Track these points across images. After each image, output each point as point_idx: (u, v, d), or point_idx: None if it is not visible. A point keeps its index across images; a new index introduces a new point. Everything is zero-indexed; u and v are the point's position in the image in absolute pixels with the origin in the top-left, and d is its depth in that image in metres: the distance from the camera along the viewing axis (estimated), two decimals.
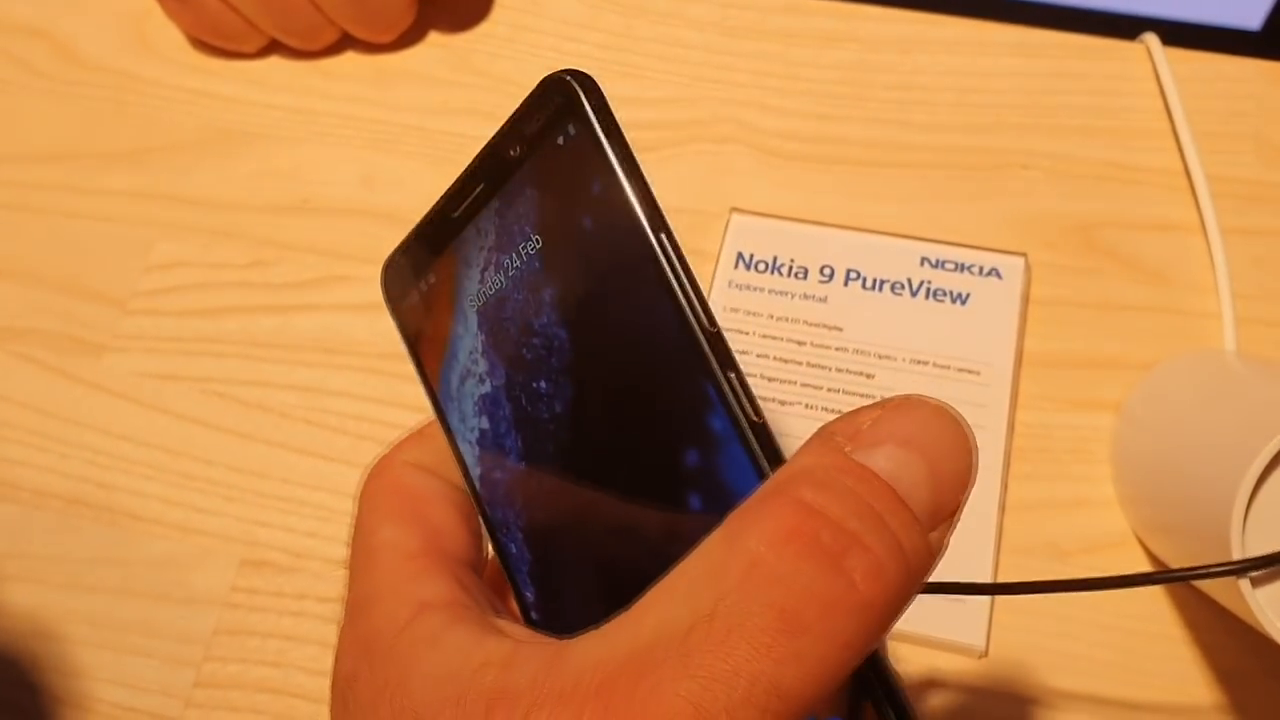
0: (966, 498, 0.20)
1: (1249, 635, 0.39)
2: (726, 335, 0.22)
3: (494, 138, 0.26)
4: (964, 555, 0.44)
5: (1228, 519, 0.35)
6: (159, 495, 0.49)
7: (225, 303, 0.52)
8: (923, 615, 0.43)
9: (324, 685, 0.37)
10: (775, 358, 0.48)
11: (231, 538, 0.48)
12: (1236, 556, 0.34)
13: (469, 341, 0.26)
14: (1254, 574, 0.34)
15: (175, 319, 0.52)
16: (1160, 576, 0.39)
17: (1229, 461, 0.36)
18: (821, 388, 0.47)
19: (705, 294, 0.28)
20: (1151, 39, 0.54)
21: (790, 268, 0.50)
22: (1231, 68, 0.53)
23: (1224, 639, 0.43)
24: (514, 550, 0.26)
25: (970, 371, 0.47)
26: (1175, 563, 0.44)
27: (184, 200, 0.55)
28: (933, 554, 0.20)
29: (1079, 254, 0.50)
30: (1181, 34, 0.55)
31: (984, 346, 0.48)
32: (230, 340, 0.51)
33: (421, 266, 0.28)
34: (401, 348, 0.28)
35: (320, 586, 0.47)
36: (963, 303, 0.48)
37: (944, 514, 0.20)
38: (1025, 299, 0.49)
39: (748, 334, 0.48)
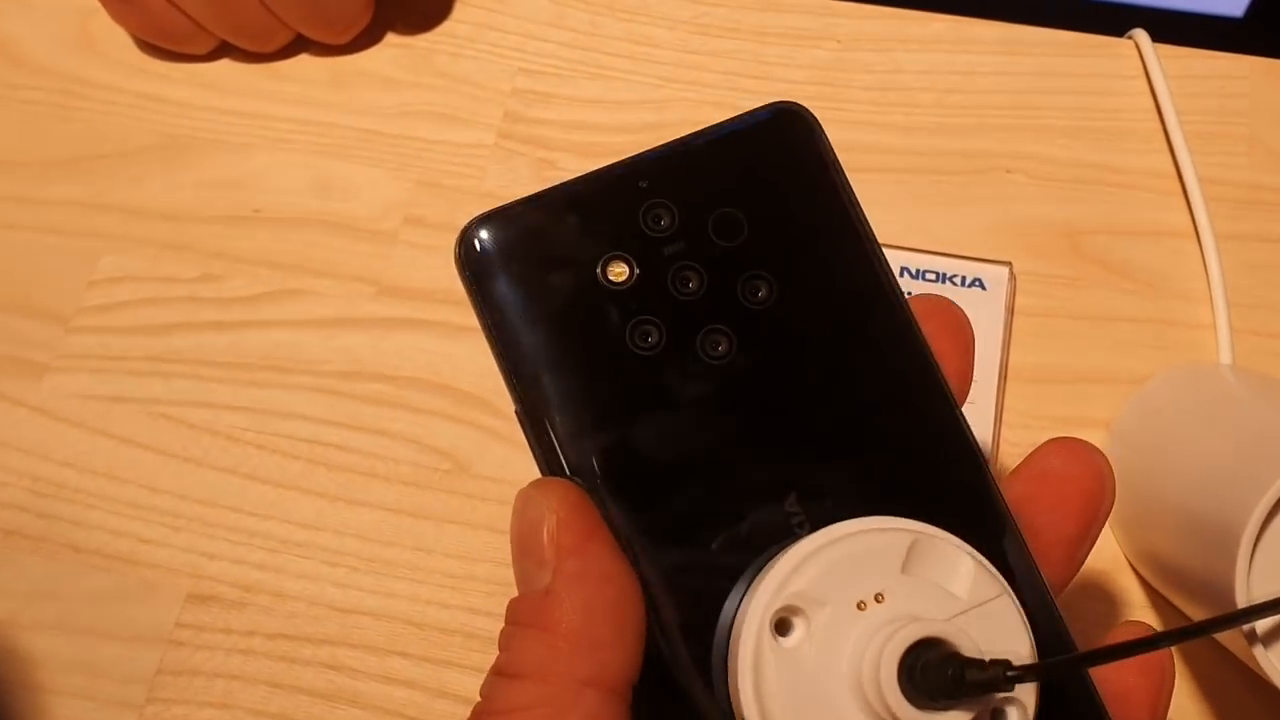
0: None
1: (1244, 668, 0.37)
2: None
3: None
4: None
5: (1232, 556, 0.33)
6: (101, 525, 0.46)
7: (173, 319, 0.50)
8: None
9: None
10: None
11: (177, 570, 0.46)
12: (1241, 599, 0.32)
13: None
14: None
15: (121, 337, 0.50)
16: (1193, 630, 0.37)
17: (1232, 493, 0.34)
18: None
19: None
20: (1141, 35, 0.51)
21: None
22: (1225, 65, 0.51)
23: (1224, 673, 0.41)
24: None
25: None
26: (1169, 591, 0.42)
27: (130, 211, 0.52)
28: None
29: (1066, 262, 0.48)
30: (1163, 22, 0.53)
31: None
32: (178, 359, 0.49)
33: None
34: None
35: (270, 622, 0.44)
36: None
37: None
38: (1010, 310, 0.46)
39: None
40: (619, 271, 0.25)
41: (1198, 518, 0.37)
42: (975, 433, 0.44)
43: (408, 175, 0.52)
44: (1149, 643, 0.23)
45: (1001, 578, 0.23)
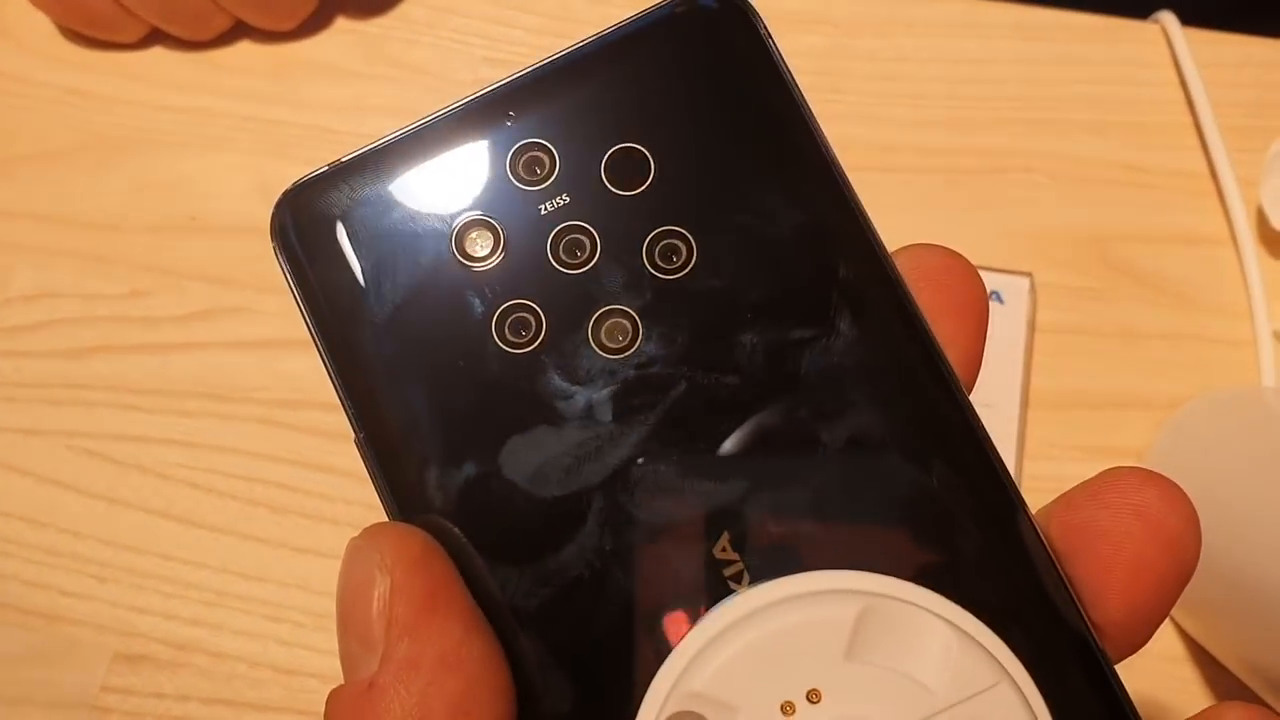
0: None
1: None
2: None
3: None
4: None
5: None
6: (17, 575, 0.41)
7: (96, 341, 0.45)
8: None
9: None
10: None
11: (104, 627, 0.41)
12: None
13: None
14: None
15: (38, 361, 0.45)
16: None
17: None
18: None
19: None
20: (1168, 18, 0.47)
21: None
22: (1261, 51, 0.47)
23: None
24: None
25: None
26: (1213, 646, 0.38)
27: (49, 219, 0.47)
28: None
29: (1092, 272, 0.43)
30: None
31: (985, 384, 0.40)
32: (101, 385, 0.44)
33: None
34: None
35: (207, 685, 0.40)
36: None
37: None
38: (1031, 326, 0.42)
39: None
40: (481, 242, 0.19)
41: (1252, 563, 0.33)
42: None
43: None
44: None
45: (1007, 653, 0.17)
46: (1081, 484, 0.18)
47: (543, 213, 0.19)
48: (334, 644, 0.39)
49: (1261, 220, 0.43)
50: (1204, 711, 0.18)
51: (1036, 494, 0.40)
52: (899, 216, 0.44)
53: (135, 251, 0.46)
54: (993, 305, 0.42)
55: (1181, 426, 0.40)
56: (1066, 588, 0.18)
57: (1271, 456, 0.36)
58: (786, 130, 0.20)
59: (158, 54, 0.50)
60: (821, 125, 0.20)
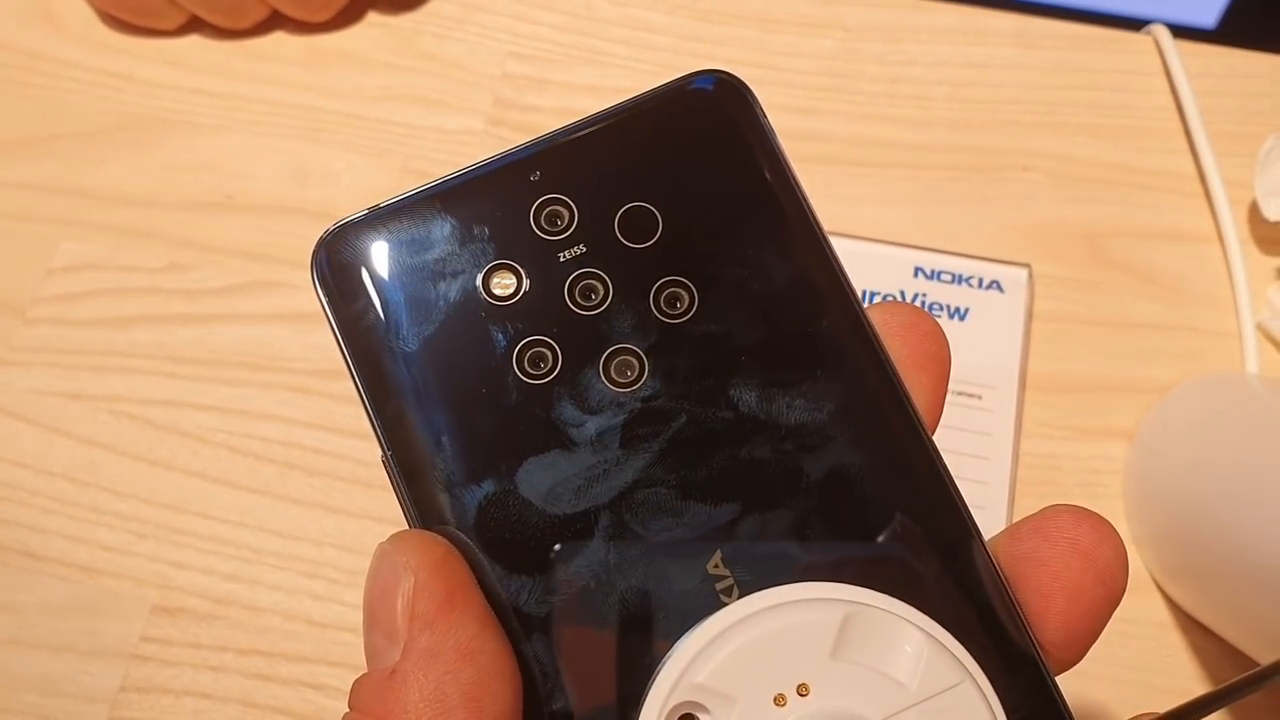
0: None
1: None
2: None
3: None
4: None
5: None
6: (60, 531, 0.43)
7: (137, 311, 0.46)
8: None
9: None
10: None
11: (143, 580, 0.42)
12: None
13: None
14: None
15: (81, 329, 0.46)
16: None
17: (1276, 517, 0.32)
18: None
19: None
20: (1160, 31, 0.49)
21: None
22: (1246, 64, 0.49)
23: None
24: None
25: (971, 395, 0.42)
26: (1201, 613, 0.40)
27: (92, 195, 0.49)
28: None
29: (1086, 265, 0.46)
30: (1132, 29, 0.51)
31: (986, 367, 0.43)
32: (142, 354, 0.46)
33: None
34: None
35: (243, 637, 0.41)
36: (961, 318, 0.44)
37: None
38: (1029, 314, 0.44)
39: None
40: (505, 283, 0.21)
41: (1237, 536, 0.35)
42: (995, 444, 0.42)
43: (390, 162, 0.49)
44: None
45: (968, 658, 0.19)
46: (1025, 518, 0.21)
47: (561, 260, 0.22)
48: None
49: (1248, 218, 0.46)
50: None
51: (1033, 469, 0.42)
52: (907, 208, 0.47)
53: (173, 227, 0.48)
54: (993, 294, 0.44)
55: (1170, 408, 0.42)
56: (1015, 607, 0.20)
57: (1253, 434, 0.38)
58: (776, 195, 0.22)
59: (196, 41, 0.52)
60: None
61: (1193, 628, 0.41)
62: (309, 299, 0.46)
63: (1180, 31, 0.49)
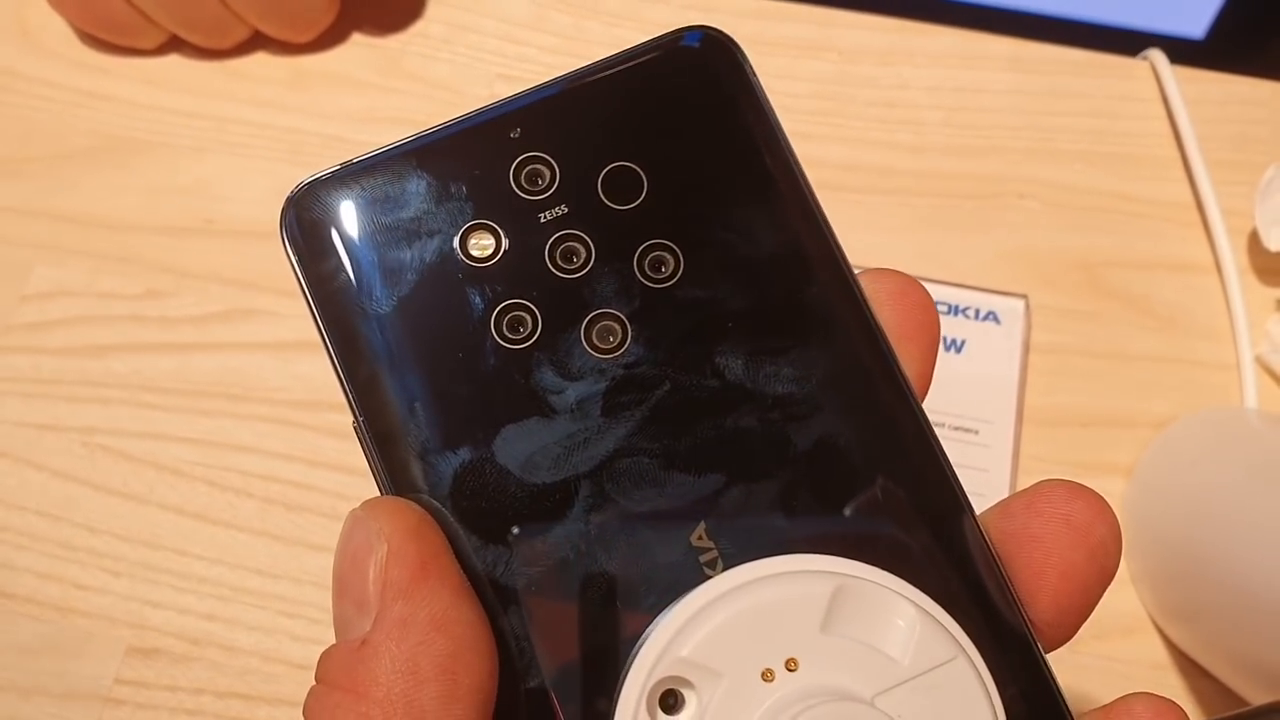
0: None
1: None
2: None
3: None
4: None
5: None
6: (31, 568, 0.42)
7: (114, 339, 0.45)
8: None
9: None
10: None
11: (117, 620, 0.41)
12: None
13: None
14: None
15: (55, 358, 0.45)
16: None
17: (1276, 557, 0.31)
18: None
19: None
20: (1157, 56, 0.49)
21: None
22: (1243, 90, 0.49)
23: None
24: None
25: (968, 430, 0.42)
26: (1199, 654, 0.39)
27: (68, 218, 0.48)
28: None
29: (1083, 295, 0.45)
30: (1123, 41, 0.50)
31: (983, 401, 0.42)
32: (119, 384, 0.45)
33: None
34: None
35: (221, 679, 0.40)
36: (958, 350, 0.43)
37: None
38: (1026, 346, 0.43)
39: None
40: (483, 244, 0.20)
41: (1238, 577, 0.35)
42: (992, 481, 0.41)
43: None
44: None
45: (961, 633, 0.18)
46: (1017, 493, 0.20)
47: (542, 221, 0.21)
48: None
49: (1247, 248, 0.45)
50: (1115, 702, 0.19)
51: None
52: (901, 235, 0.46)
53: (151, 252, 0.47)
54: (990, 326, 0.44)
55: (1169, 443, 0.42)
56: (1007, 583, 0.19)
57: (1253, 471, 0.37)
58: (766, 156, 0.21)
59: (175, 61, 0.51)
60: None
61: (1191, 670, 0.40)
62: (291, 327, 0.45)
63: (1170, 44, 0.48)
